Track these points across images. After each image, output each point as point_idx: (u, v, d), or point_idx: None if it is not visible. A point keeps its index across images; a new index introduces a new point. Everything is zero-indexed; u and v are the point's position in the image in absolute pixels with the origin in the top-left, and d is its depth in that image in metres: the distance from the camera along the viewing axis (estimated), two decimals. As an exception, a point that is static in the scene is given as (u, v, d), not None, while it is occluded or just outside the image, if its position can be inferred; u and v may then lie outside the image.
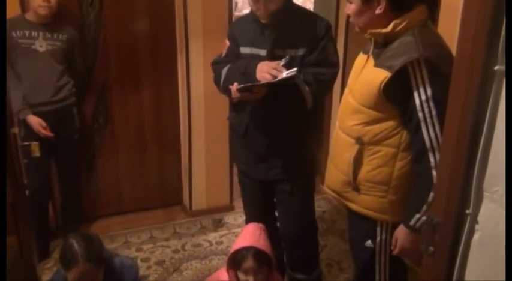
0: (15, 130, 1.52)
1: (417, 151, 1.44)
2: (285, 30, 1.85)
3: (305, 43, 1.84)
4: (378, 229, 1.64)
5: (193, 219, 3.17)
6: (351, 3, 1.53)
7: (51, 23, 2.52)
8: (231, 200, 3.30)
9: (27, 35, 2.47)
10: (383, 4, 1.45)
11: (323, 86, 1.88)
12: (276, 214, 2.25)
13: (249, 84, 1.73)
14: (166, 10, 2.93)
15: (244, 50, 1.96)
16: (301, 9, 1.99)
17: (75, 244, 1.79)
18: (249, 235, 1.86)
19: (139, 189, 3.24)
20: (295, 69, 1.73)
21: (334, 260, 2.77)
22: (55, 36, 2.54)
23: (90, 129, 2.98)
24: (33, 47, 2.48)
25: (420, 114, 1.40)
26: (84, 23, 2.79)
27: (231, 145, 2.31)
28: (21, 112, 2.48)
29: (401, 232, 1.54)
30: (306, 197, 2.14)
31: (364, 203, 1.62)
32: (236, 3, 5.36)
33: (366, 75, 1.53)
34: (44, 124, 2.52)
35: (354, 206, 1.66)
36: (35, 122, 2.50)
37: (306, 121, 1.97)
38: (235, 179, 2.88)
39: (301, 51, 1.85)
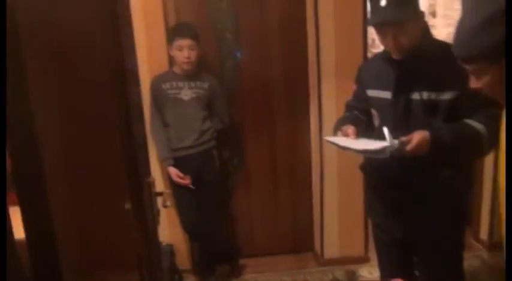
0: (151, 179, 1.60)
1: None
2: (422, 69, 1.62)
3: (454, 85, 1.55)
4: None
5: (324, 268, 3.00)
6: (480, 77, 1.11)
7: (194, 73, 2.72)
8: (366, 251, 3.05)
9: (174, 85, 2.70)
10: None
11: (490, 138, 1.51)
12: (417, 273, 1.98)
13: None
14: (300, 53, 2.95)
15: (371, 92, 1.80)
16: (444, 45, 1.70)
17: None
18: None
19: (271, 233, 3.21)
20: (386, 143, 1.49)
21: None
22: (198, 84, 2.73)
23: (226, 172, 3.08)
24: (179, 96, 2.70)
25: None
26: (223, 69, 2.94)
27: (365, 195, 2.13)
28: (165, 161, 2.72)
29: None
30: (453, 256, 1.84)
31: None
32: (373, 40, 5.19)
33: None
34: (182, 175, 2.70)
35: None
36: (173, 173, 2.71)
37: (452, 171, 1.70)
38: (371, 228, 2.66)
39: (447, 95, 1.57)
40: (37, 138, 0.70)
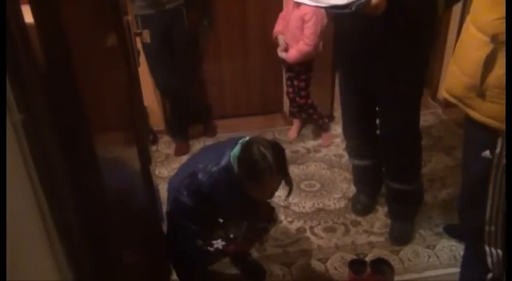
0: (128, 17, 1.59)
1: None
2: None
3: None
4: (500, 140, 1.46)
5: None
6: None
7: None
8: (332, 110, 3.24)
9: None
10: None
11: None
12: (377, 122, 2.16)
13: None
14: None
15: None
16: None
17: (266, 153, 1.53)
18: None
19: (241, 95, 3.32)
20: None
21: (438, 176, 2.64)
22: None
23: (195, 32, 3.04)
24: None
25: None
26: None
27: (335, 47, 2.17)
28: None
29: None
30: (411, 105, 1.98)
31: (489, 111, 1.41)
32: None
33: None
34: None
35: (475, 115, 1.46)
36: None
37: (416, 25, 1.73)
38: (338, 89, 2.79)
39: None
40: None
